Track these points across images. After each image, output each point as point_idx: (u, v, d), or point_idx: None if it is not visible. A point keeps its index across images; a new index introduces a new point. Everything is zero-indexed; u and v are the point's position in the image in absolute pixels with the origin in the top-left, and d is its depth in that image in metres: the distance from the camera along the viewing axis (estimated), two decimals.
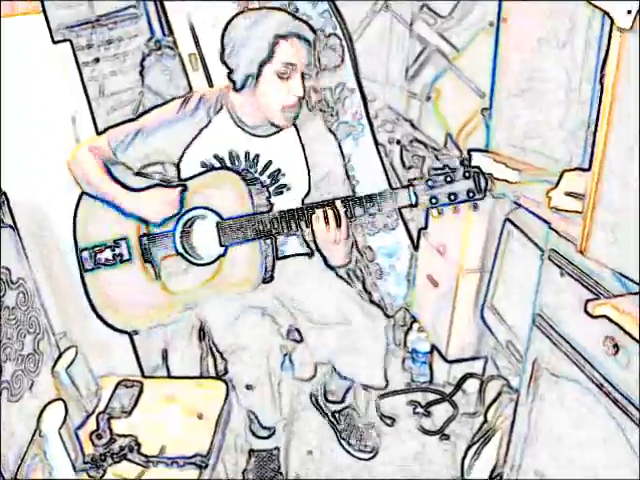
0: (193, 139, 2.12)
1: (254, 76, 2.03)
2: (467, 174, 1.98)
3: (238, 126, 2.12)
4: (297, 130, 2.16)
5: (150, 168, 2.17)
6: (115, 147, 2.12)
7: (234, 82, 2.06)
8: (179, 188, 2.10)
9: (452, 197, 1.98)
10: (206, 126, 2.12)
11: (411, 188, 2.01)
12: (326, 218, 2.03)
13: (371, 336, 2.25)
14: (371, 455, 2.47)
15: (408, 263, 2.75)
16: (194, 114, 2.11)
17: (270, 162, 2.14)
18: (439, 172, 1.98)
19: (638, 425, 1.52)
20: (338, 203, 2.04)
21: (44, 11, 2.16)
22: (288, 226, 2.07)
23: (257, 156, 2.14)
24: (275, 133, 2.14)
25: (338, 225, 2.04)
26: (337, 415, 2.54)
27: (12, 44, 2.11)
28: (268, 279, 2.14)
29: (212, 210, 2.10)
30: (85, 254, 2.15)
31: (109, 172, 2.13)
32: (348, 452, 2.48)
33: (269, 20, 2.00)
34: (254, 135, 2.13)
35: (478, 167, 2.00)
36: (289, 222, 2.07)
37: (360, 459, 2.47)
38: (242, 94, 2.08)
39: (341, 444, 2.50)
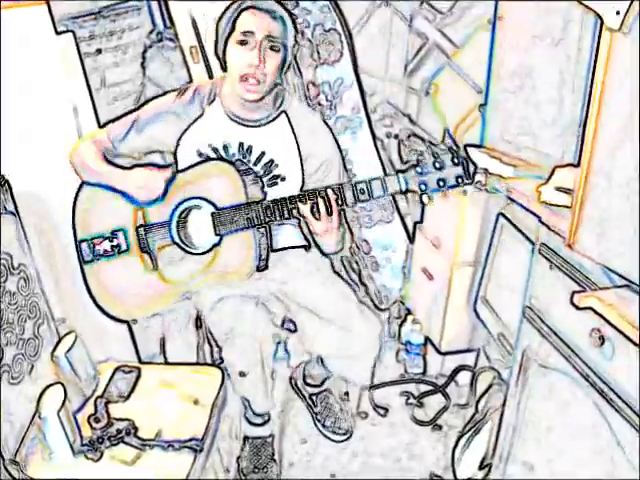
0: (186, 129, 2.14)
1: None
2: (455, 160, 2.00)
3: (230, 117, 2.15)
4: (289, 120, 2.18)
5: (149, 157, 2.20)
6: (113, 139, 2.17)
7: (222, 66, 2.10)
8: (169, 170, 2.14)
9: (441, 183, 2.01)
10: (199, 117, 2.15)
11: (400, 174, 2.04)
12: (317, 207, 2.06)
13: (366, 340, 2.27)
14: (345, 437, 2.51)
15: (404, 256, 2.78)
16: (189, 104, 2.14)
17: (263, 153, 2.17)
18: (428, 158, 2.00)
19: (620, 415, 1.55)
20: (329, 191, 2.06)
21: (48, 2, 2.18)
22: (281, 214, 2.09)
23: (250, 147, 2.16)
24: (267, 124, 2.16)
25: (329, 214, 2.07)
26: (314, 398, 2.58)
27: (15, 34, 2.12)
28: (262, 267, 2.17)
29: (207, 200, 2.13)
30: (84, 245, 2.17)
31: (106, 159, 2.17)
32: (323, 434, 2.52)
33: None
34: (246, 125, 2.15)
35: (466, 152, 2.03)
36: (282, 210, 2.09)
37: (334, 441, 2.51)
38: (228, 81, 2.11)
39: (317, 426, 2.54)
